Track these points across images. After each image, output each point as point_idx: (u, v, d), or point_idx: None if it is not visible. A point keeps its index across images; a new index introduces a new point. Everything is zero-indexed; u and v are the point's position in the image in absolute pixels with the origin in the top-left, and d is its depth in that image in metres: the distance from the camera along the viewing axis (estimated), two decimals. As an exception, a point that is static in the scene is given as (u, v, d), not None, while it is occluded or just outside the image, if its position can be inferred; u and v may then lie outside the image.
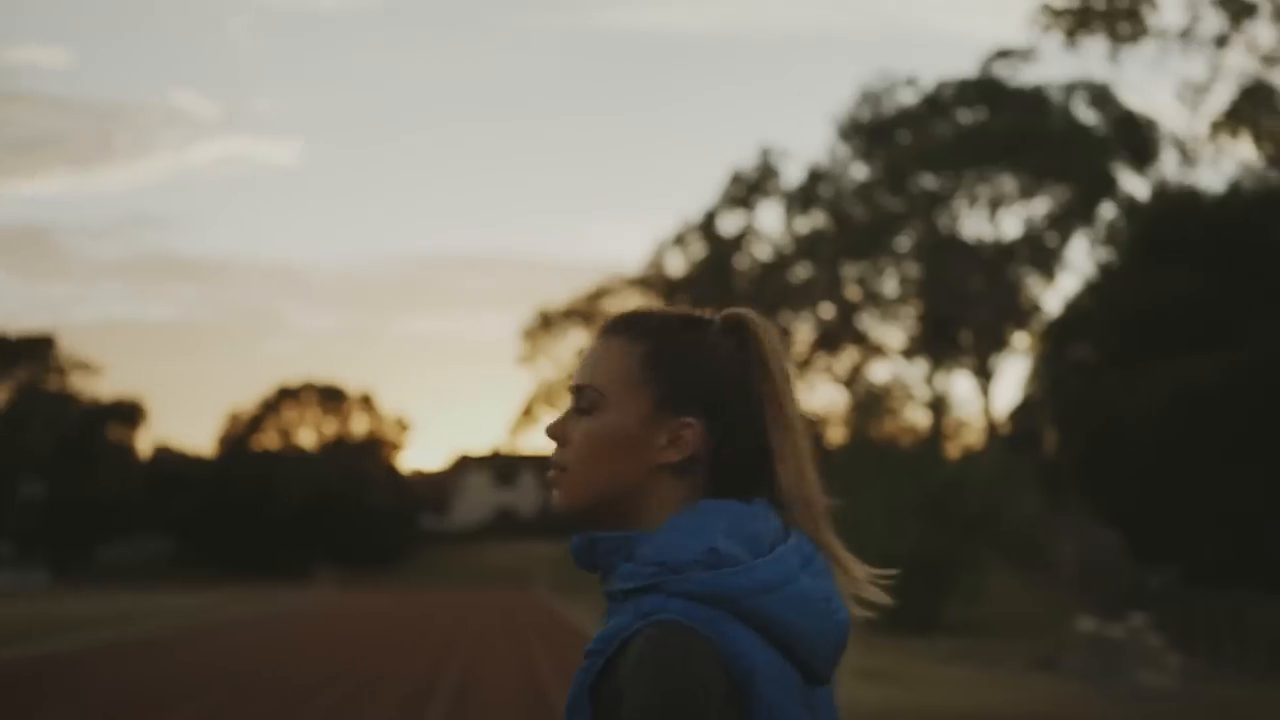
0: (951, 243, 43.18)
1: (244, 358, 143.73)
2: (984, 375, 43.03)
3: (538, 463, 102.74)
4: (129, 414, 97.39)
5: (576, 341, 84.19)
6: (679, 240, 49.68)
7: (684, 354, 1.71)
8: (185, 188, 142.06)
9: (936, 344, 43.84)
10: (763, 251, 45.34)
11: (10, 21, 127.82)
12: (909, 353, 43.68)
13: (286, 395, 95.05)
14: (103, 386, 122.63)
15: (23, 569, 75.09)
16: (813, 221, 44.63)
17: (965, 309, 41.84)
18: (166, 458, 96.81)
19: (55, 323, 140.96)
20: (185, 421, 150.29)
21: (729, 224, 46.06)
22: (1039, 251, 43.51)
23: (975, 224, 43.20)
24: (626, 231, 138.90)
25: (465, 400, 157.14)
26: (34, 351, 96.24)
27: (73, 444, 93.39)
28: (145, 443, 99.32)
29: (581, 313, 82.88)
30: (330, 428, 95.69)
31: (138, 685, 17.74)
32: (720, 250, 46.40)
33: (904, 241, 44.09)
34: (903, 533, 27.40)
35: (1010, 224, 43.50)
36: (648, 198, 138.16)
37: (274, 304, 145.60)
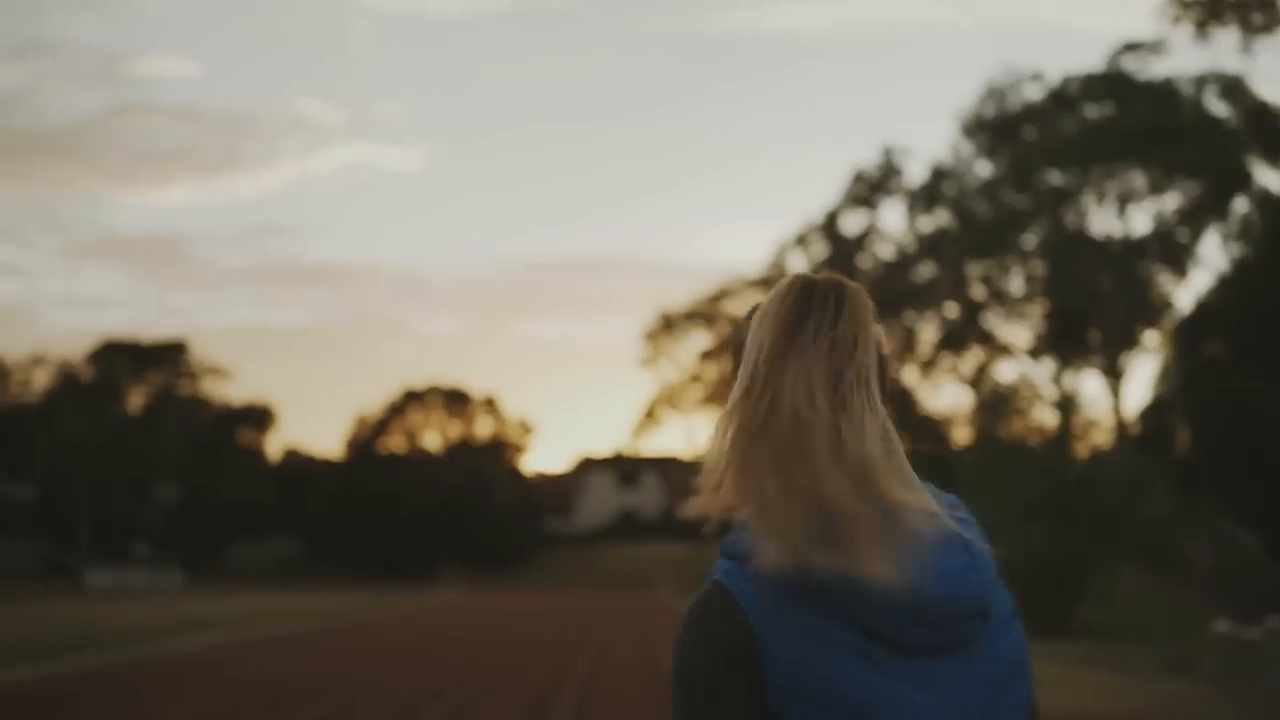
0: (1079, 240, 42.38)
1: (369, 361, 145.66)
2: (1113, 374, 42.17)
3: (660, 464, 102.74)
4: (259, 418, 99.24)
5: (698, 343, 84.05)
6: (801, 240, 49.38)
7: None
8: (310, 195, 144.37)
9: (1064, 343, 43.06)
10: (886, 251, 44.93)
11: (138, 34, 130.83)
12: (1035, 352, 42.92)
13: (412, 398, 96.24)
14: (233, 391, 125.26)
15: (158, 569, 76.72)
16: (936, 220, 44.11)
17: (1094, 307, 41.03)
18: (295, 461, 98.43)
19: (186, 329, 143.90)
20: (313, 425, 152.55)
21: (851, 223, 45.73)
22: (1170, 247, 42.55)
23: (1104, 220, 42.38)
24: (748, 233, 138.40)
25: (587, 402, 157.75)
26: (167, 357, 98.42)
27: (205, 448, 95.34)
28: (275, 446, 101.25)
29: (703, 314, 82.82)
30: (455, 430, 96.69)
31: (266, 683, 18.00)
32: (842, 250, 46.03)
33: (1030, 239, 43.37)
34: (1031, 534, 26.91)
35: (1140, 220, 42.56)
36: (769, 199, 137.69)
37: (398, 308, 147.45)
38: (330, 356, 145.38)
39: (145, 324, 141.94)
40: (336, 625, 34.27)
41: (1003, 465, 30.33)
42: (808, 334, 1.72)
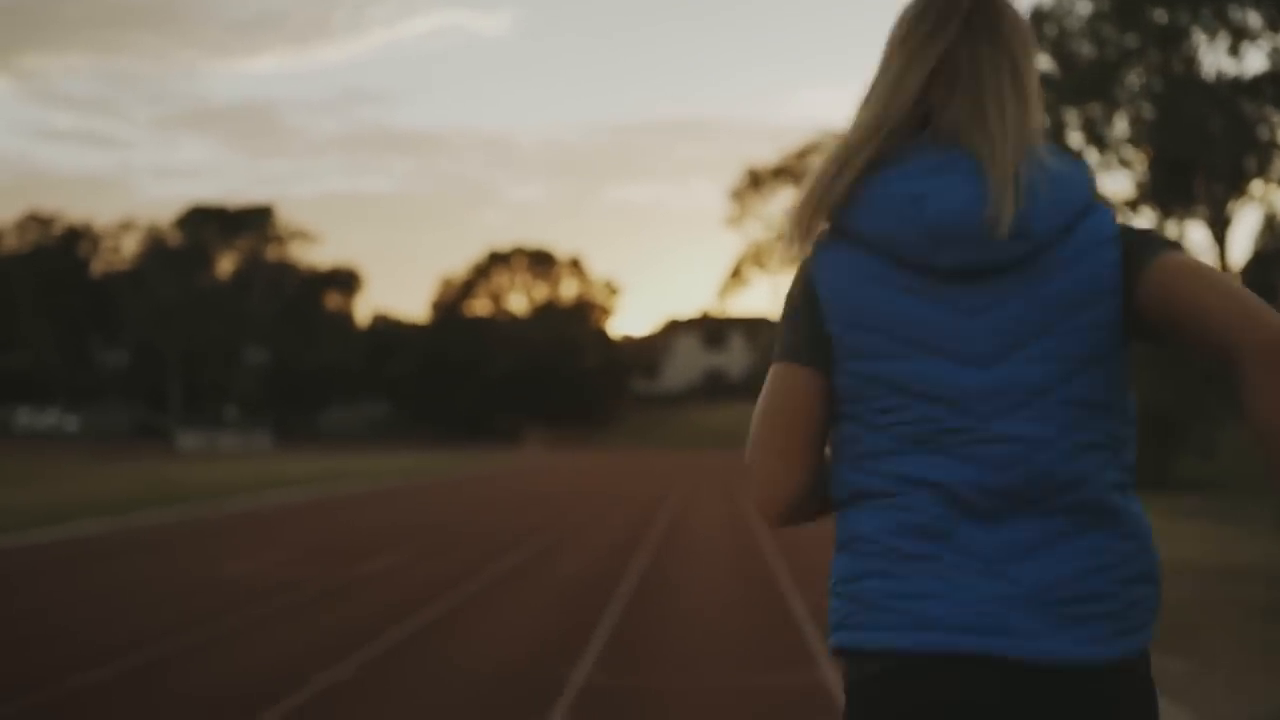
0: (1187, 81, 40.35)
1: (458, 228, 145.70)
2: (1219, 225, 40.39)
3: (746, 325, 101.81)
4: (346, 281, 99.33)
5: (786, 200, 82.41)
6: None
7: None
8: (399, 62, 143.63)
9: (1168, 192, 41.23)
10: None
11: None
12: (1135, 203, 41.13)
13: (497, 260, 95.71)
14: (320, 256, 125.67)
15: (248, 432, 77.40)
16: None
17: (1202, 152, 39.16)
18: (383, 325, 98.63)
19: (277, 197, 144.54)
20: (402, 291, 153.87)
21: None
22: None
23: (1214, 60, 40.39)
24: (837, 96, 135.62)
25: (674, 267, 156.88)
26: (254, 222, 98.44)
27: (293, 312, 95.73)
28: (364, 311, 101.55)
29: (791, 171, 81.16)
30: (540, 293, 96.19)
31: (346, 533, 17.48)
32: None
33: (1134, 81, 41.40)
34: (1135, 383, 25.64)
35: (1255, 59, 40.11)
36: (858, 60, 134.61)
37: (486, 174, 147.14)
38: (419, 223, 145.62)
39: (236, 192, 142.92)
40: (416, 484, 33.94)
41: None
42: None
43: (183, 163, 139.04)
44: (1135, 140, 40.52)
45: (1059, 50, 41.29)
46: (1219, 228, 39.98)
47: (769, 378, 1.97)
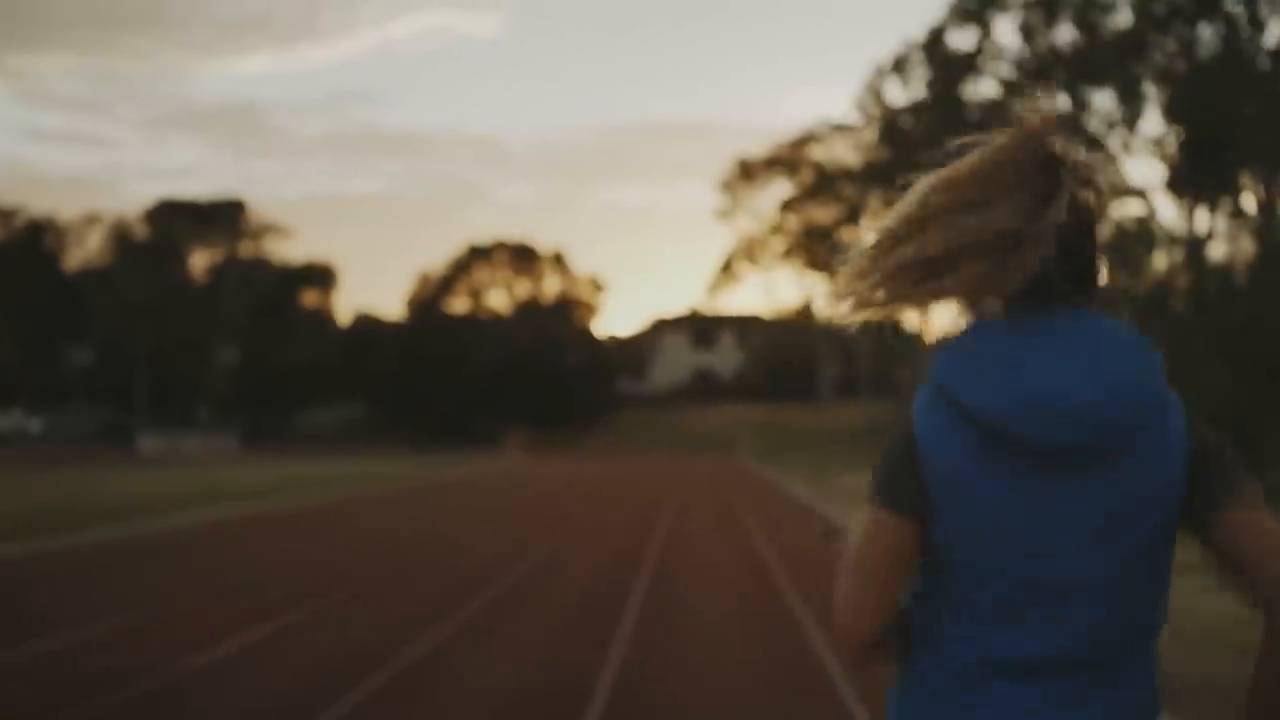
0: (1221, 56, 37.01)
1: (447, 229, 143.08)
2: (1265, 210, 37.01)
3: (737, 323, 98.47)
4: (321, 278, 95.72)
5: (779, 193, 78.91)
6: (899, 65, 43.99)
7: None
8: (388, 62, 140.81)
9: (1199, 175, 37.86)
10: (1002, 71, 39.46)
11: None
12: (1172, 184, 37.72)
13: (477, 255, 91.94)
14: (296, 252, 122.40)
15: (217, 435, 73.89)
16: (1058, 36, 38.59)
17: (1238, 133, 35.80)
18: (361, 324, 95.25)
19: (265, 198, 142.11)
20: (390, 292, 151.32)
21: (959, 42, 40.32)
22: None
23: (1250, 33, 37.06)
24: (826, 98, 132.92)
25: (662, 268, 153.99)
26: (225, 217, 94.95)
27: (267, 310, 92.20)
28: (346, 311, 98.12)
29: (784, 162, 77.67)
30: (522, 289, 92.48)
31: (237, 575, 13.95)
32: (949, 75, 40.69)
33: (1161, 56, 37.99)
34: (1192, 382, 22.26)
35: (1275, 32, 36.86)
36: (848, 63, 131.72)
37: (475, 175, 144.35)
38: (408, 224, 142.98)
39: (224, 193, 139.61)
40: (370, 495, 30.43)
41: (1144, 310, 25.54)
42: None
43: (170, 163, 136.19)
44: (1167, 118, 37.23)
45: (1082, 20, 37.85)
46: (1265, 214, 36.59)
47: (864, 520, 2.07)
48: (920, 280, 2.00)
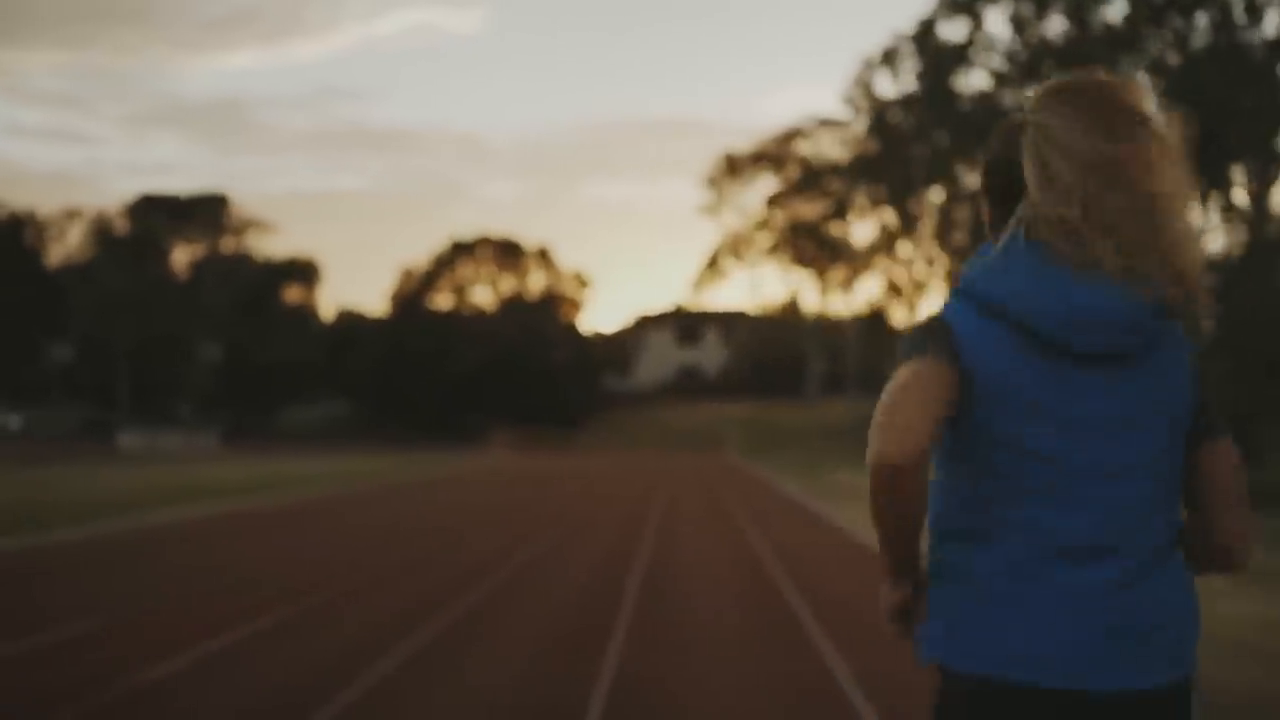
0: (1214, 45, 36.56)
1: (430, 225, 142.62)
2: (1257, 198, 36.54)
3: (722, 319, 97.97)
4: (305, 274, 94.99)
5: (766, 188, 78.32)
6: (888, 57, 43.44)
7: None
8: (373, 59, 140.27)
9: (1191, 170, 37.31)
10: (992, 62, 38.87)
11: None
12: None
13: (461, 251, 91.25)
14: (279, 247, 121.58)
15: (198, 432, 73.21)
16: (1050, 27, 38.06)
17: (1232, 123, 35.33)
18: (345, 321, 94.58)
19: (250, 194, 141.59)
20: (373, 289, 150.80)
21: (950, 33, 39.72)
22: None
23: (1243, 22, 36.61)
24: (811, 95, 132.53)
25: (647, 266, 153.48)
26: (207, 211, 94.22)
27: (249, 305, 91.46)
28: (329, 308, 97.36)
29: (770, 157, 77.15)
30: (507, 285, 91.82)
31: (187, 581, 13.35)
32: (939, 66, 40.11)
33: (1156, 46, 37.52)
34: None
35: (1274, 21, 36.28)
36: (833, 60, 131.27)
37: (459, 171, 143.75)
38: (392, 220, 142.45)
39: (208, 189, 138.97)
40: (345, 494, 29.83)
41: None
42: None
43: (154, 159, 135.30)
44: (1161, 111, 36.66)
45: (1075, 11, 37.37)
46: (1257, 202, 36.13)
47: (901, 370, 2.21)
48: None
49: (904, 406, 2.15)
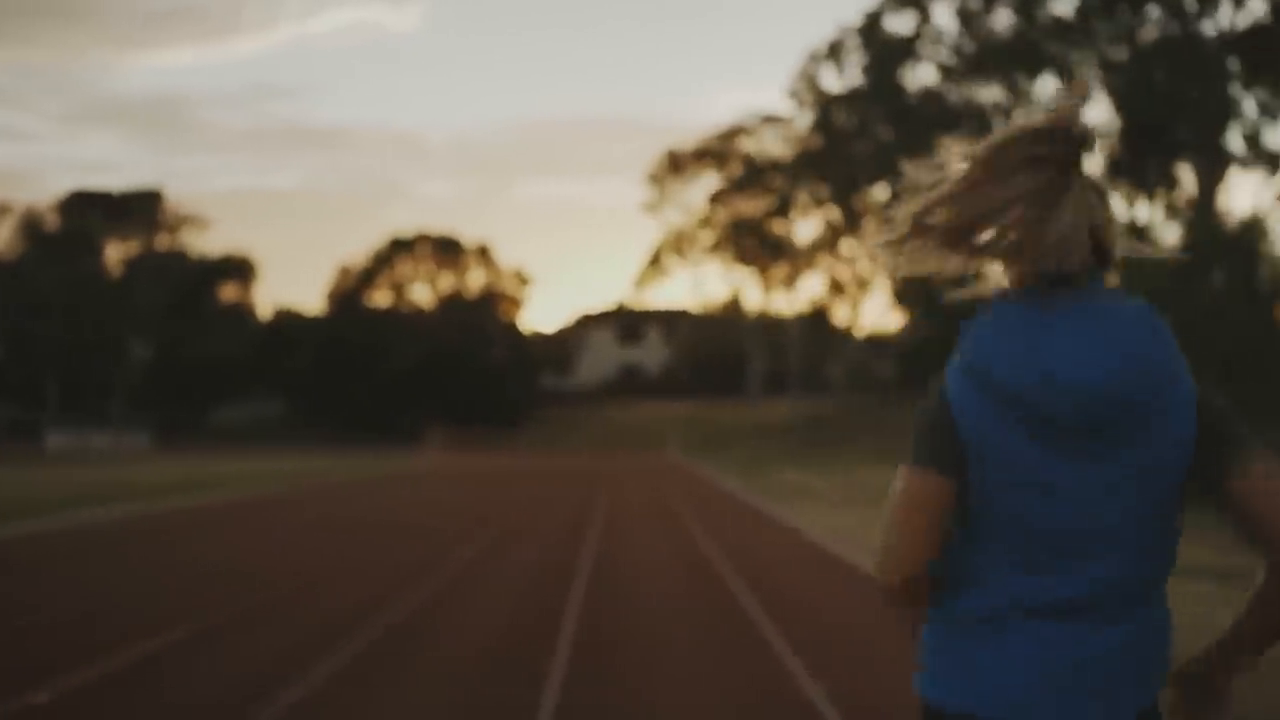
0: (1164, 41, 36.15)
1: (368, 224, 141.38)
2: (1203, 193, 36.16)
3: (664, 318, 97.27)
4: (240, 271, 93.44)
5: (708, 185, 77.64)
6: (833, 51, 42.75)
7: None
8: (310, 56, 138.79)
9: (1144, 161, 36.98)
10: (939, 56, 38.13)
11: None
12: (1112, 174, 36.76)
13: (399, 248, 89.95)
14: (215, 245, 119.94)
15: (128, 431, 71.70)
16: (996, 20, 37.42)
17: (1180, 117, 34.93)
18: (281, 319, 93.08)
19: (187, 191, 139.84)
20: (310, 287, 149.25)
21: (896, 25, 38.96)
22: (1259, 51, 36.44)
23: (1191, 16, 36.18)
24: (751, 97, 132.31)
25: (587, 266, 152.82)
26: (141, 208, 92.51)
27: (183, 303, 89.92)
28: (266, 306, 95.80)
29: (713, 154, 76.45)
30: (446, 283, 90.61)
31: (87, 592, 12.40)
32: (886, 60, 39.44)
33: (1103, 43, 37.06)
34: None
35: (1228, 14, 35.92)
36: (774, 61, 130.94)
37: (397, 170, 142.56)
38: (328, 219, 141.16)
39: (146, 187, 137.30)
40: (269, 497, 28.83)
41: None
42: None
43: (90, 156, 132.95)
44: (1108, 104, 36.18)
45: (1023, 6, 36.73)
46: (1202, 197, 35.73)
47: (903, 477, 2.23)
48: (959, 241, 2.18)
49: (905, 531, 2.20)
